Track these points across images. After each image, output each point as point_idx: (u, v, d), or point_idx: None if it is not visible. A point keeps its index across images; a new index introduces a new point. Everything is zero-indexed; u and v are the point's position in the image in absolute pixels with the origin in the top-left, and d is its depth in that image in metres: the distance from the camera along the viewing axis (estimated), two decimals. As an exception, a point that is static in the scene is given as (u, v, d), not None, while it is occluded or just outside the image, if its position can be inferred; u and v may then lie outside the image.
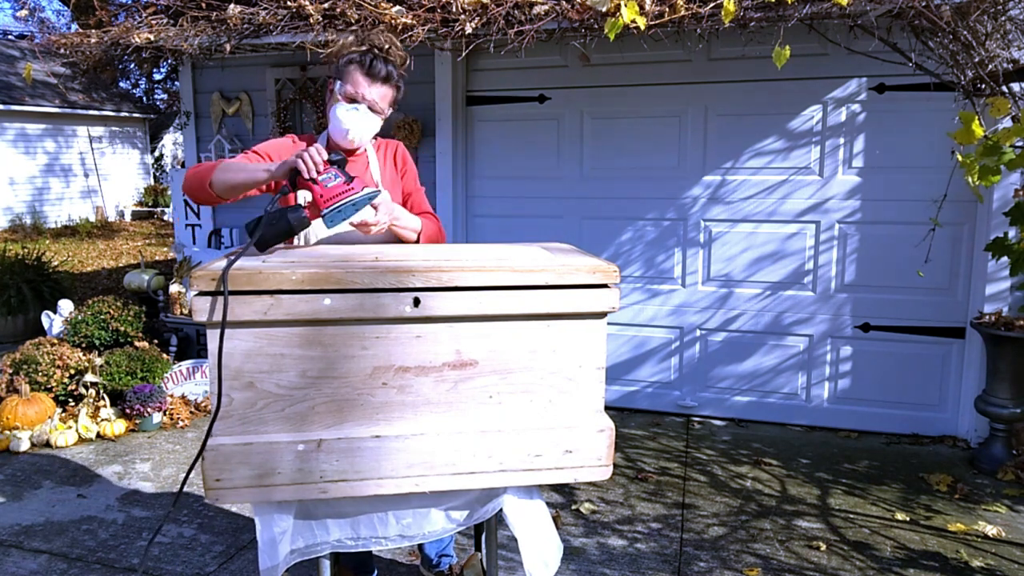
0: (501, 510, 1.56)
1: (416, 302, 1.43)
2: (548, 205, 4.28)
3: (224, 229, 4.88)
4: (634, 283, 4.18)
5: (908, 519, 2.93)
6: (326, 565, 1.59)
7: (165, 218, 15.11)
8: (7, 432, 3.69)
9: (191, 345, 4.90)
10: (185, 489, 3.23)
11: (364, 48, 1.99)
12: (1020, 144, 2.45)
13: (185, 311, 4.85)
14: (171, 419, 4.00)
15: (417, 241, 2.02)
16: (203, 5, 3.75)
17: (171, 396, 4.18)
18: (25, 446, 3.65)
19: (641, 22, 2.79)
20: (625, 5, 2.73)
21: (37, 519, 2.96)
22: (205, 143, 4.80)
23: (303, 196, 1.89)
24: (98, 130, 15.33)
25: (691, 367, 4.14)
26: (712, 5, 2.90)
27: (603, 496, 3.16)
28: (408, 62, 2.10)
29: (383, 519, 1.54)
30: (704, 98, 3.93)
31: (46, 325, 4.84)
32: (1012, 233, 3.18)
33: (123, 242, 12.07)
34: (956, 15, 2.82)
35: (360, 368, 1.45)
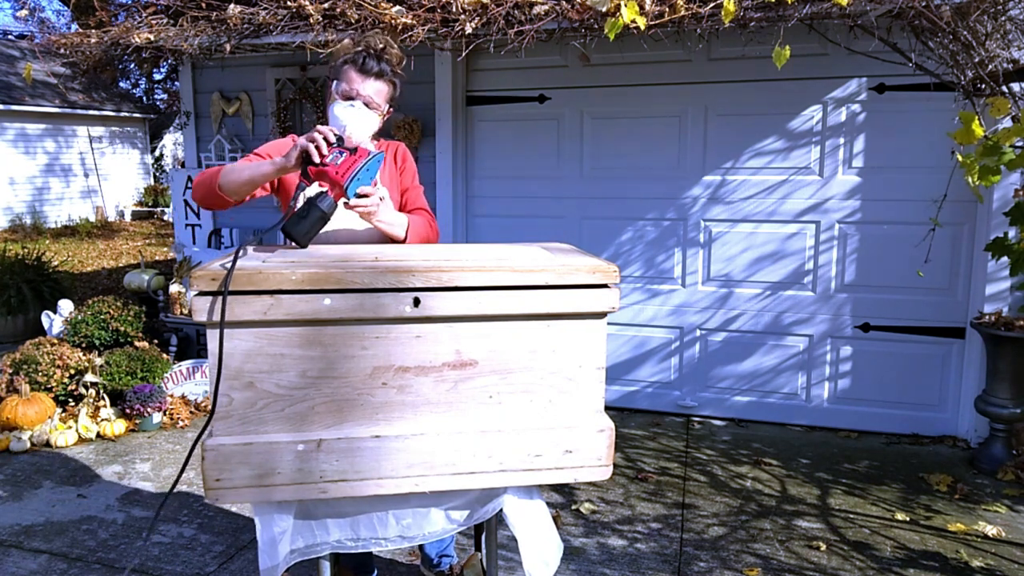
0: (501, 510, 1.56)
1: (416, 302, 1.43)
2: (548, 205, 4.28)
3: (224, 229, 4.88)
4: (634, 283, 4.18)
5: (908, 519, 2.93)
6: (326, 566, 1.59)
7: (165, 218, 15.11)
8: (7, 432, 3.69)
9: (191, 345, 4.90)
10: (185, 489, 3.23)
11: (359, 48, 2.04)
12: (1020, 144, 2.45)
13: (185, 311, 4.85)
14: (171, 419, 4.00)
15: (405, 238, 2.01)
16: (203, 5, 3.75)
17: (171, 396, 4.18)
18: (25, 446, 3.65)
19: (641, 22, 2.79)
20: (625, 5, 2.73)
21: (37, 519, 2.96)
22: (205, 143, 4.80)
23: (314, 189, 1.92)
24: (98, 130, 15.33)
25: (691, 367, 4.14)
26: (712, 5, 2.90)
27: (603, 496, 3.16)
28: (404, 61, 2.13)
29: (383, 519, 1.54)
30: (704, 98, 3.93)
31: (46, 325, 4.84)
32: (1012, 233, 3.17)
33: (123, 242, 12.08)
34: (956, 15, 2.82)
35: (360, 368, 1.45)
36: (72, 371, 4.09)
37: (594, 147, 4.15)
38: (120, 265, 9.64)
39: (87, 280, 8.45)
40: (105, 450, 3.67)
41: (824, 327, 3.90)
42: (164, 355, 4.38)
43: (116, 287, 7.62)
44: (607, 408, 3.06)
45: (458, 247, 1.83)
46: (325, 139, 1.70)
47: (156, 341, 4.70)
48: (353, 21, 3.40)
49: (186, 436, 3.86)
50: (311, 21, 3.48)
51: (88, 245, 11.64)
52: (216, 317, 1.38)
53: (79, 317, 4.63)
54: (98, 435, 3.81)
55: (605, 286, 1.49)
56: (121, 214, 15.53)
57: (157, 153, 17.80)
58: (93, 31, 3.97)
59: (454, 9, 3.23)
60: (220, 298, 1.37)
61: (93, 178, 15.16)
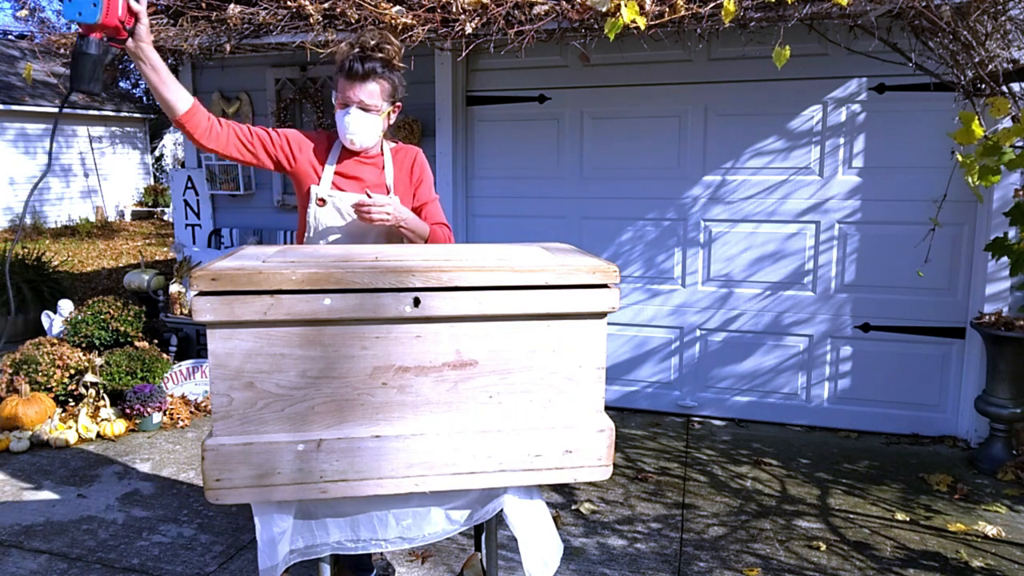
0: (501, 510, 1.56)
1: (416, 302, 1.43)
2: (548, 205, 4.28)
3: (224, 229, 4.88)
4: (634, 283, 4.18)
5: (908, 519, 2.93)
6: (326, 568, 1.59)
7: (165, 218, 15.11)
8: (7, 432, 3.69)
9: (191, 345, 4.91)
10: (185, 489, 3.23)
11: (349, 53, 2.06)
12: (1020, 144, 2.45)
13: (185, 311, 4.85)
14: (171, 419, 4.00)
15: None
16: (203, 5, 3.75)
17: (171, 396, 4.18)
18: (25, 446, 3.65)
19: (641, 22, 2.79)
20: (625, 5, 2.73)
21: (37, 519, 2.96)
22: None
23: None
24: (98, 130, 15.33)
25: (691, 367, 4.14)
26: (712, 5, 2.90)
27: (603, 496, 3.16)
28: (402, 51, 2.14)
29: (383, 520, 1.54)
30: (704, 98, 3.93)
31: (46, 325, 4.84)
32: (1012, 233, 3.18)
33: (123, 242, 12.08)
34: (956, 15, 2.82)
35: (360, 368, 1.45)
36: (72, 371, 4.09)
37: (594, 147, 4.15)
38: (120, 265, 9.64)
39: (87, 280, 8.45)
40: (105, 450, 3.67)
41: (824, 327, 3.90)
42: (164, 355, 4.38)
43: (116, 287, 7.62)
44: (607, 408, 3.06)
45: (458, 247, 1.83)
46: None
47: (156, 341, 4.70)
48: (353, 21, 3.39)
49: (186, 436, 3.86)
50: (311, 21, 3.48)
51: (88, 245, 11.64)
52: (216, 317, 1.38)
53: (79, 317, 4.63)
54: (98, 435, 3.81)
55: (605, 286, 1.49)
56: (121, 214, 15.53)
57: (157, 153, 17.79)
58: (93, 31, 3.96)
59: (454, 9, 3.23)
60: (220, 298, 1.37)
61: (93, 178, 15.16)
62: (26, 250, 6.49)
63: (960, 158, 2.45)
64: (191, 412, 4.13)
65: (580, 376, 1.53)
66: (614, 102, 4.07)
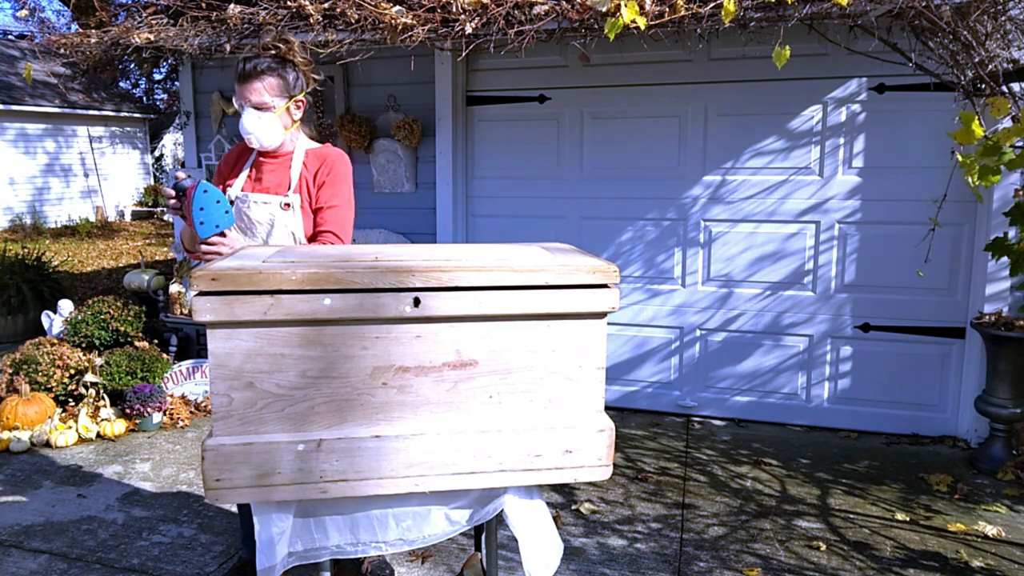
0: (502, 510, 1.56)
1: (416, 302, 1.43)
2: (548, 205, 4.28)
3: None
4: (634, 283, 4.18)
5: (908, 519, 2.93)
6: (326, 565, 1.59)
7: (165, 218, 15.10)
8: (7, 432, 3.69)
9: (191, 345, 4.90)
10: (185, 489, 3.23)
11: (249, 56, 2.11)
12: (1020, 144, 2.45)
13: (185, 311, 4.85)
14: (171, 419, 4.00)
15: None
16: (203, 5, 3.75)
17: (171, 396, 4.18)
18: (25, 446, 3.65)
19: (641, 22, 2.79)
20: (625, 5, 2.73)
21: (37, 519, 2.96)
22: (205, 143, 4.80)
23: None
24: (98, 130, 15.33)
25: (691, 367, 4.14)
26: (712, 5, 2.90)
27: (603, 496, 3.16)
28: (296, 45, 2.14)
29: (383, 522, 1.54)
30: (704, 98, 3.93)
31: (46, 325, 4.84)
32: (1012, 233, 3.18)
33: (123, 242, 12.08)
34: (956, 15, 2.82)
35: (360, 368, 1.45)
36: (72, 371, 4.09)
37: (594, 147, 4.15)
38: (120, 265, 9.64)
39: (87, 280, 8.45)
40: (105, 450, 3.67)
41: (824, 327, 3.90)
42: (164, 355, 4.38)
43: (116, 287, 7.62)
44: (607, 408, 3.06)
45: (458, 247, 1.83)
46: (176, 193, 1.91)
47: (156, 341, 4.70)
48: (353, 21, 3.40)
49: (186, 436, 3.86)
50: (311, 21, 3.48)
51: (88, 245, 11.64)
52: (216, 317, 1.38)
53: (79, 317, 4.63)
54: (98, 435, 3.81)
55: (605, 286, 1.49)
56: (121, 214, 15.52)
57: (157, 153, 17.79)
58: (93, 31, 3.97)
59: (454, 9, 3.23)
60: (220, 298, 1.37)
61: (93, 178, 15.15)
62: (26, 250, 6.49)
63: (960, 158, 2.45)
64: (191, 412, 4.13)
65: (580, 376, 1.53)
66: (614, 102, 4.07)
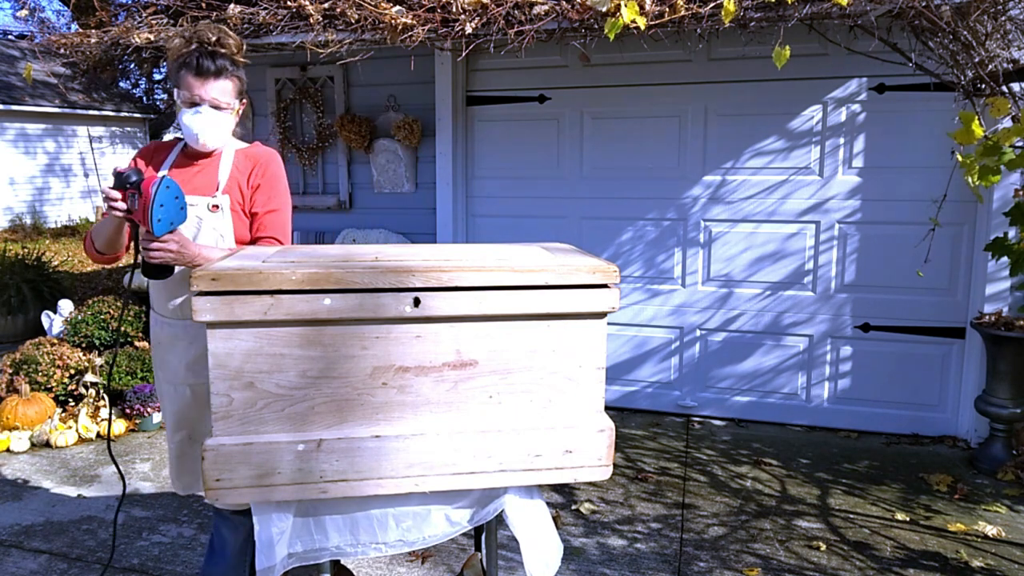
0: (501, 510, 1.56)
1: (416, 302, 1.43)
2: (548, 205, 4.28)
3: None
4: (634, 283, 4.18)
5: (908, 519, 2.93)
6: (326, 565, 1.59)
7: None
8: (7, 432, 3.69)
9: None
10: (185, 489, 3.23)
11: (192, 48, 1.93)
12: (1020, 144, 2.45)
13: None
14: (171, 419, 4.00)
15: None
16: (203, 5, 3.75)
17: (171, 396, 4.17)
18: (25, 446, 3.65)
19: (641, 22, 2.79)
20: (625, 5, 2.73)
21: (37, 519, 2.96)
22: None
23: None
24: (98, 130, 15.33)
25: (691, 367, 4.14)
26: (712, 5, 2.90)
27: (603, 496, 3.16)
28: (244, 47, 2.05)
29: (383, 523, 1.54)
30: (704, 98, 3.93)
31: (46, 325, 4.84)
32: (1012, 233, 3.18)
33: (123, 242, 12.05)
34: (956, 15, 2.82)
35: (360, 368, 1.45)
36: (72, 371, 4.09)
37: (594, 147, 4.15)
38: (120, 265, 9.64)
39: (87, 280, 8.45)
40: (105, 450, 3.67)
41: (824, 327, 3.90)
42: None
43: (116, 287, 7.62)
44: (607, 408, 3.06)
45: (458, 247, 1.83)
46: (117, 187, 1.73)
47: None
48: (353, 21, 3.40)
49: (186, 436, 3.86)
50: (311, 21, 3.48)
51: (88, 245, 11.62)
52: (216, 317, 1.38)
53: (79, 317, 4.62)
54: (98, 435, 3.81)
55: (605, 286, 1.49)
56: (121, 214, 15.49)
57: (157, 153, 17.74)
58: (93, 31, 3.97)
59: (454, 9, 3.23)
60: (220, 298, 1.37)
61: (93, 178, 15.15)
62: (26, 250, 6.49)
63: (960, 158, 2.45)
64: (191, 412, 4.13)
65: (580, 376, 1.53)
66: (614, 102, 4.07)
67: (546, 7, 3.14)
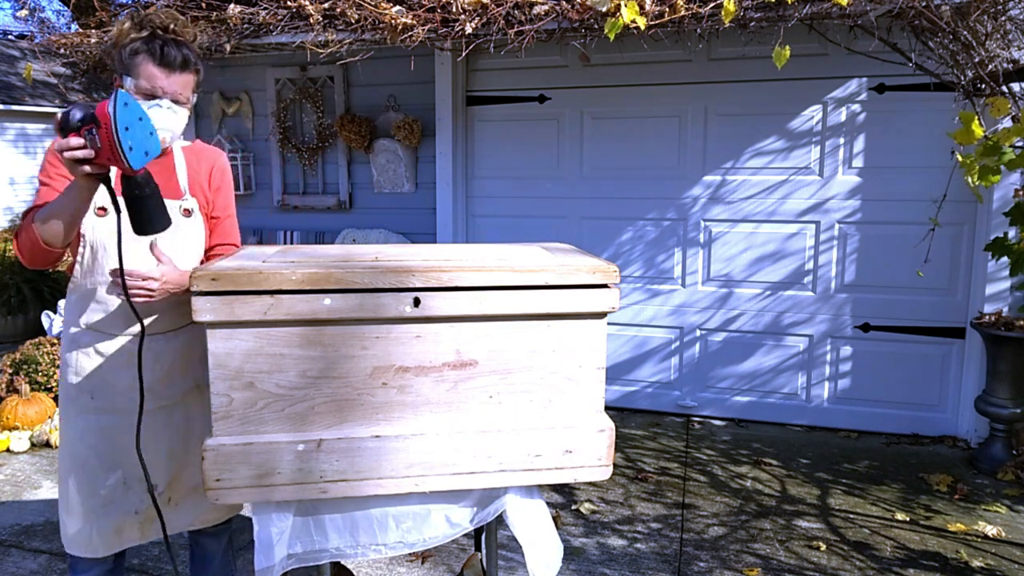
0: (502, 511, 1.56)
1: (416, 302, 1.43)
2: (548, 205, 4.28)
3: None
4: (634, 283, 4.18)
5: (908, 519, 2.93)
6: (327, 565, 1.59)
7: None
8: (7, 432, 3.69)
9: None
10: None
11: (147, 33, 1.72)
12: (1020, 144, 2.45)
13: (185, 311, 4.84)
14: (171, 419, 4.00)
15: None
16: (203, 5, 3.75)
17: (171, 396, 4.17)
18: (25, 446, 3.65)
19: (641, 22, 2.79)
20: (625, 5, 2.73)
21: (37, 519, 2.96)
22: (205, 143, 4.80)
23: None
24: (98, 130, 15.31)
25: (691, 367, 4.14)
26: (712, 5, 2.90)
27: (603, 496, 3.16)
28: (198, 39, 1.88)
29: (383, 524, 1.53)
30: (704, 98, 3.93)
31: (46, 325, 4.83)
32: (1012, 233, 3.18)
33: (123, 242, 12.05)
34: (956, 15, 2.82)
35: (360, 368, 1.45)
36: (72, 371, 4.09)
37: (594, 147, 4.15)
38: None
39: (87, 280, 8.44)
40: (105, 450, 3.67)
41: (824, 327, 3.90)
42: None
43: (116, 287, 7.61)
44: (607, 408, 3.06)
45: (458, 247, 1.83)
46: (68, 132, 1.39)
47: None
48: (353, 21, 3.40)
49: (186, 436, 3.86)
50: (311, 21, 3.48)
51: (88, 245, 11.62)
52: (216, 317, 1.38)
53: (79, 317, 4.62)
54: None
55: (605, 286, 1.49)
56: (121, 214, 15.51)
57: (157, 153, 17.76)
58: (93, 31, 3.97)
59: (454, 9, 3.23)
60: (220, 298, 1.37)
61: (93, 178, 15.14)
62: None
63: (960, 158, 2.45)
64: (191, 412, 4.13)
65: (580, 376, 1.53)
66: (614, 102, 4.07)
67: (546, 7, 3.15)
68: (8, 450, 3.63)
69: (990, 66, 2.93)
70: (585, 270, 1.48)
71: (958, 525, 2.86)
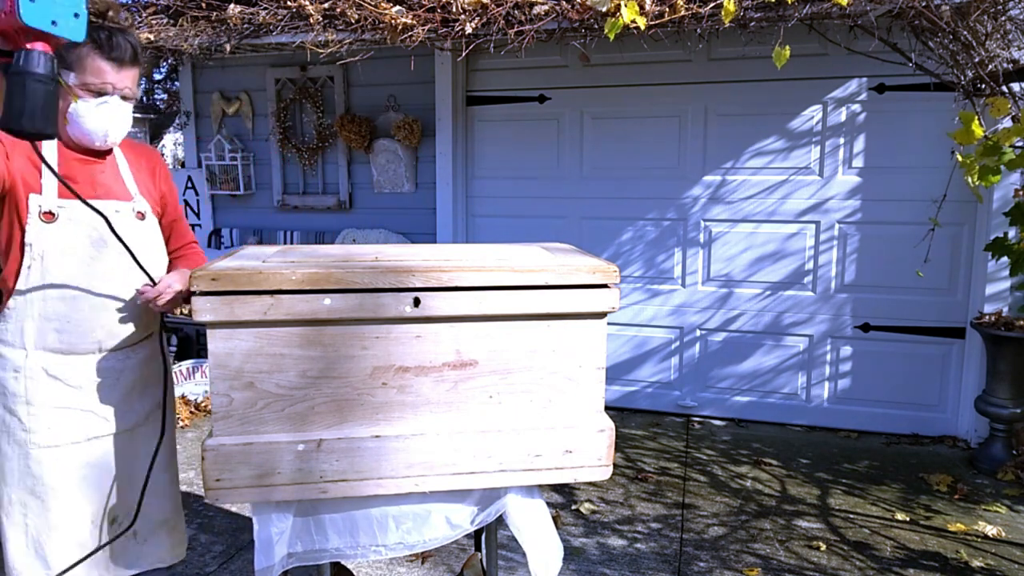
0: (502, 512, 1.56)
1: (416, 302, 1.43)
2: (548, 205, 4.28)
3: (224, 229, 4.88)
4: (634, 283, 4.18)
5: (908, 519, 2.93)
6: (327, 565, 1.59)
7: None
8: (7, 432, 3.69)
9: (191, 345, 4.90)
10: (185, 489, 3.22)
11: (93, 22, 1.56)
12: (1020, 144, 2.45)
13: (185, 311, 4.85)
14: (171, 419, 4.00)
15: None
16: (203, 5, 3.75)
17: (171, 396, 4.17)
18: None
19: (641, 22, 2.79)
20: (625, 5, 2.73)
21: None
22: (205, 143, 4.80)
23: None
24: (98, 130, 15.29)
25: (691, 367, 4.14)
26: (712, 5, 2.90)
27: (603, 496, 3.16)
28: (134, 23, 1.78)
29: (383, 524, 1.53)
30: (704, 98, 3.93)
31: None
32: (1012, 233, 3.18)
33: (123, 242, 12.04)
34: (956, 15, 2.82)
35: (360, 368, 1.45)
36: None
37: (594, 147, 4.15)
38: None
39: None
40: (105, 450, 3.66)
41: (824, 327, 3.90)
42: (164, 355, 4.37)
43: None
44: (607, 408, 3.06)
45: (458, 247, 1.83)
46: None
47: (156, 341, 4.69)
48: (353, 21, 3.39)
49: (186, 436, 3.86)
50: (311, 21, 3.48)
51: (88, 245, 11.61)
52: (216, 317, 1.38)
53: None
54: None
55: (605, 286, 1.49)
56: (121, 214, 15.49)
57: (157, 153, 17.74)
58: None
59: (454, 9, 3.23)
60: (220, 298, 1.37)
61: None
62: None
63: (960, 158, 2.45)
64: (191, 412, 4.13)
65: (580, 376, 1.53)
66: (614, 102, 4.07)
67: (546, 7, 3.14)
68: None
69: (990, 66, 2.93)
70: (585, 270, 1.48)
71: (958, 525, 2.86)
